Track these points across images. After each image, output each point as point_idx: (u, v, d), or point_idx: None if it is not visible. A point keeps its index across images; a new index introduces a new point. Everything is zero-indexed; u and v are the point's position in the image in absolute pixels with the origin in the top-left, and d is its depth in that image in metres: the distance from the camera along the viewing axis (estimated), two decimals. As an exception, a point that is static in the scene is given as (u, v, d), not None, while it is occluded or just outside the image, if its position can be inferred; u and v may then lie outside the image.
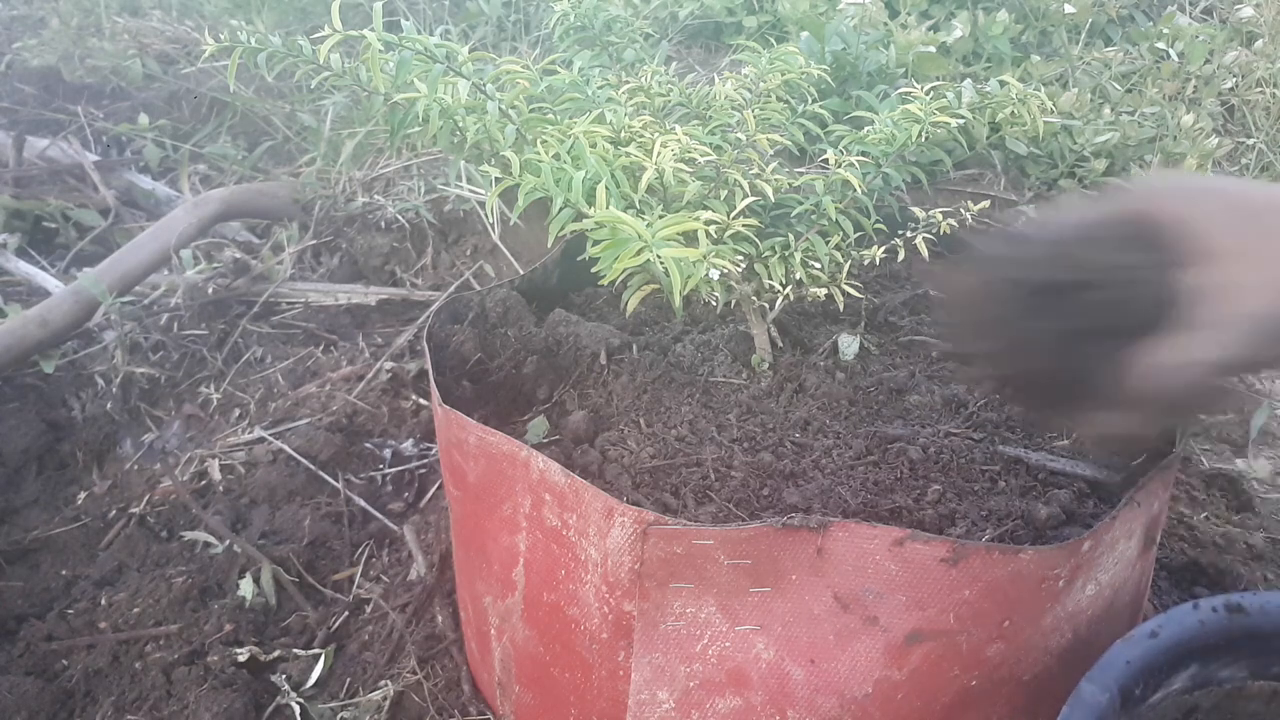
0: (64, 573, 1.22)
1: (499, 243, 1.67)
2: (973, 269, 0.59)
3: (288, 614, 1.15)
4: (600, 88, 0.86)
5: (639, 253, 0.61)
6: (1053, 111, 1.73)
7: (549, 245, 0.80)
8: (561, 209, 0.69)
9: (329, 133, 1.80)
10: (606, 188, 0.67)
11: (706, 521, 0.72)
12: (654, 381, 0.87)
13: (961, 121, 0.87)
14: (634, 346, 0.92)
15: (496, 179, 0.71)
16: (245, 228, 1.81)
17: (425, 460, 1.37)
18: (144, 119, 2.01)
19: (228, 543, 1.22)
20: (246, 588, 1.15)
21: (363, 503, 1.30)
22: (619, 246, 0.62)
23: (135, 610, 1.14)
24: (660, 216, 0.67)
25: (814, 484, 0.77)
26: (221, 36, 0.68)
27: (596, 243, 0.66)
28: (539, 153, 0.69)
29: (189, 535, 1.25)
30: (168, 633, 1.11)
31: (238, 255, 1.70)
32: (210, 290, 1.60)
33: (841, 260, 0.85)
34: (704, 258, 0.67)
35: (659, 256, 0.61)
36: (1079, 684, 0.69)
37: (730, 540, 0.66)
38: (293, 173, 1.84)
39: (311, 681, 1.06)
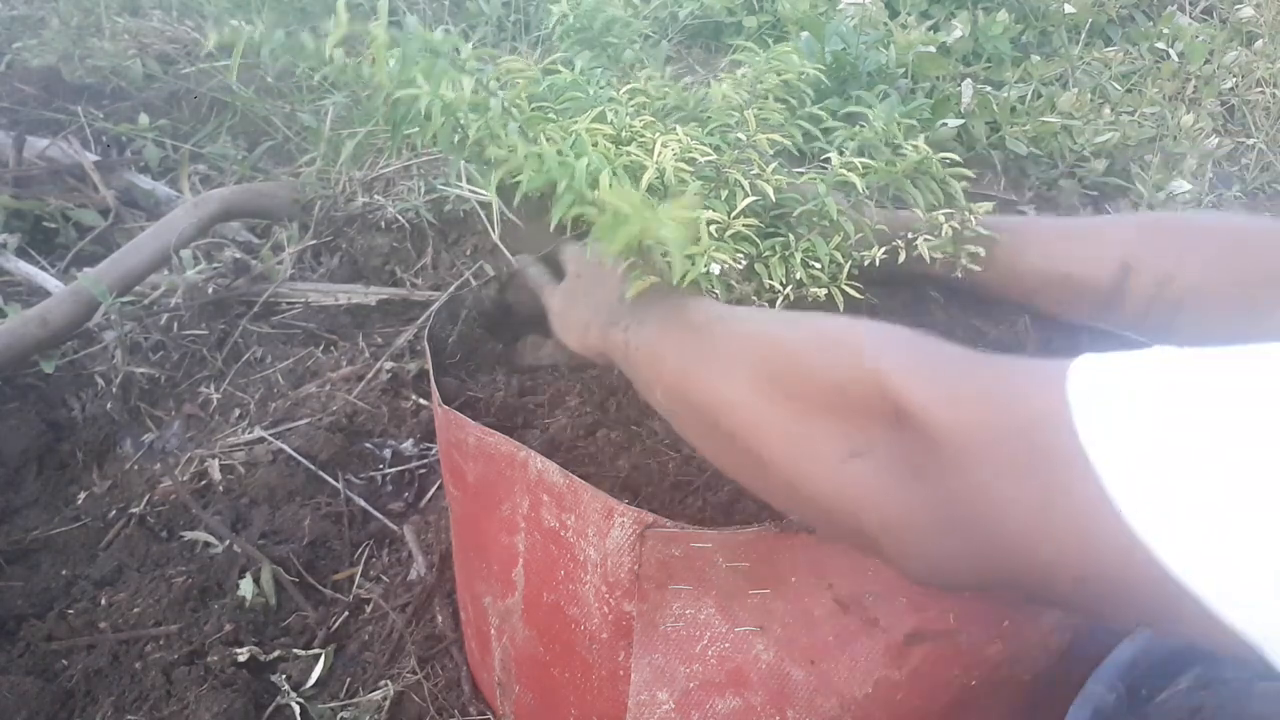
0: (64, 573, 1.22)
1: (499, 242, 1.67)
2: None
3: (288, 614, 1.15)
4: (601, 88, 0.86)
5: (645, 228, 0.61)
6: (1053, 111, 1.73)
7: (550, 232, 0.80)
8: (564, 194, 0.68)
9: (329, 133, 1.80)
10: (610, 176, 0.67)
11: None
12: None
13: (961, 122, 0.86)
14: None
15: (499, 162, 0.70)
16: (245, 228, 1.81)
17: (425, 460, 1.37)
18: (144, 119, 2.00)
19: (228, 543, 1.22)
20: (246, 588, 1.15)
21: (363, 503, 1.30)
22: (621, 224, 0.62)
23: (135, 610, 1.14)
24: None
25: None
26: (224, 32, 0.68)
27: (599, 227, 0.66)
28: (542, 144, 0.69)
29: (189, 535, 1.25)
30: (168, 633, 1.11)
31: (238, 255, 1.70)
32: (210, 290, 1.60)
33: (842, 260, 0.85)
34: (706, 250, 0.68)
35: (661, 237, 0.61)
36: (1086, 684, 0.69)
37: (728, 543, 0.66)
38: (293, 173, 1.84)
39: (311, 681, 1.06)
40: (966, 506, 0.45)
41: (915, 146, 0.83)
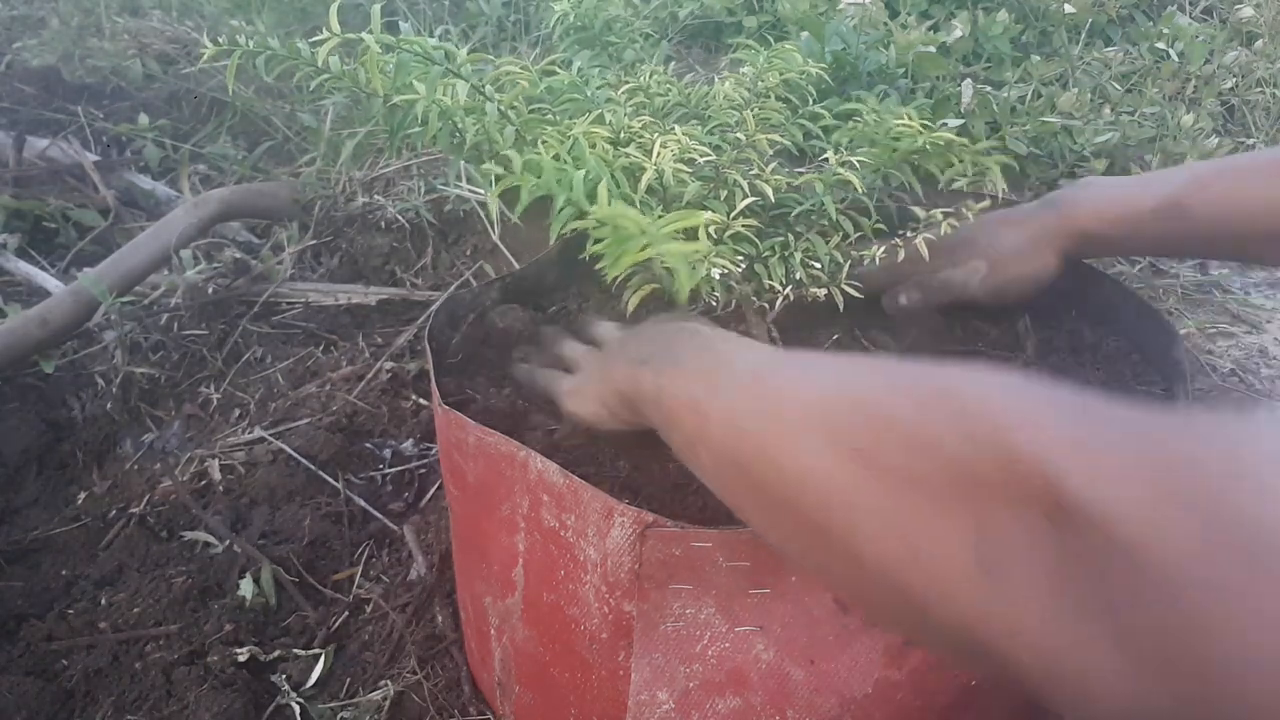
0: (64, 573, 1.22)
1: (499, 243, 1.67)
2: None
3: (288, 614, 1.15)
4: (599, 88, 0.86)
5: (644, 248, 0.61)
6: (1053, 111, 1.73)
7: (550, 243, 0.80)
8: (563, 208, 0.69)
9: (329, 133, 1.80)
10: (608, 187, 0.67)
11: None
12: None
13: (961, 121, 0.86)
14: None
15: (497, 178, 0.71)
16: (245, 228, 1.81)
17: (425, 460, 1.37)
18: (144, 119, 2.01)
19: (228, 543, 1.22)
20: (246, 588, 1.15)
21: (363, 503, 1.30)
22: (623, 243, 0.61)
23: (135, 610, 1.14)
24: (660, 216, 0.67)
25: None
26: (220, 40, 0.68)
27: (598, 241, 0.66)
28: (540, 152, 0.69)
29: (189, 535, 1.25)
30: (168, 633, 1.11)
31: (238, 255, 1.70)
32: (210, 290, 1.60)
33: (841, 260, 0.85)
34: (707, 257, 0.67)
35: (663, 253, 0.61)
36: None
37: (729, 542, 0.66)
38: (293, 173, 1.84)
39: (311, 681, 1.06)
40: (1180, 642, 0.32)
41: (924, 128, 0.82)
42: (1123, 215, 0.84)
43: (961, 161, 0.82)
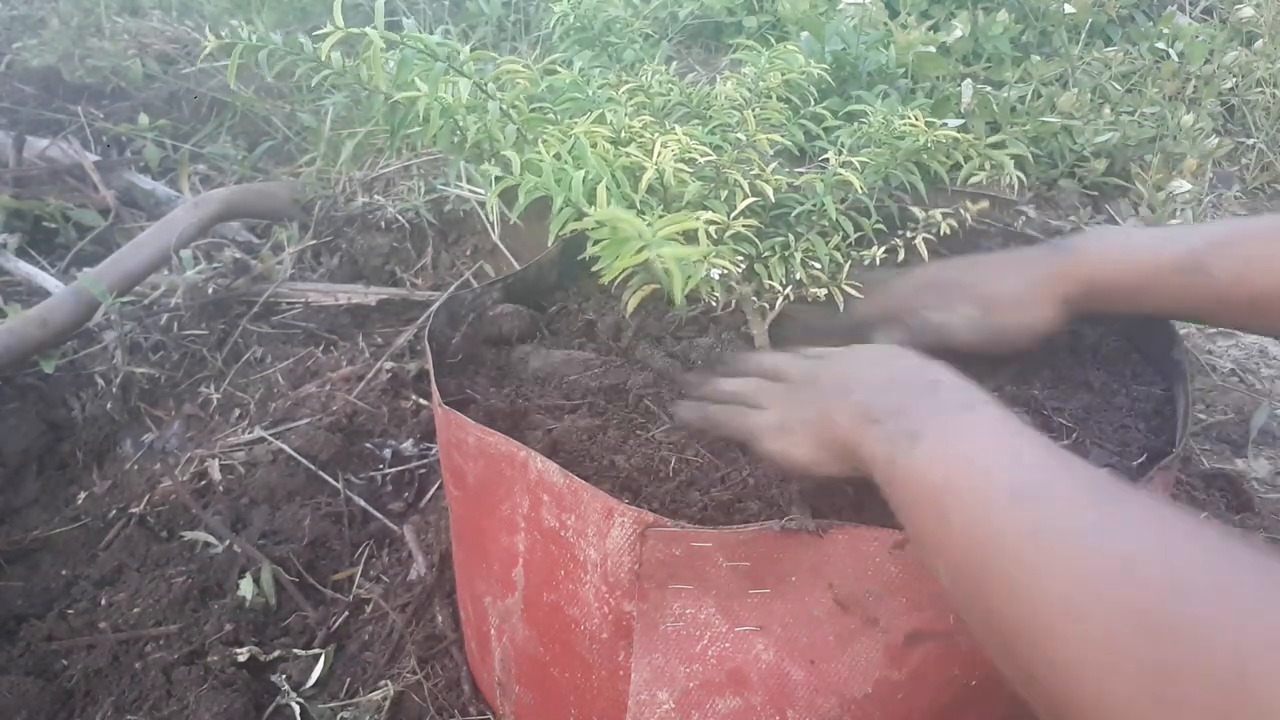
0: (64, 573, 1.22)
1: (499, 243, 1.67)
2: None
3: (288, 614, 1.15)
4: (600, 88, 0.86)
5: (639, 251, 0.61)
6: (1053, 111, 1.73)
7: (549, 244, 0.80)
8: (562, 208, 0.69)
9: (329, 133, 1.80)
10: (607, 188, 0.67)
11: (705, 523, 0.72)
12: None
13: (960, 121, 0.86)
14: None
15: (497, 178, 0.71)
16: (245, 228, 1.81)
17: (425, 460, 1.37)
18: (144, 119, 2.01)
19: (228, 543, 1.22)
20: (246, 588, 1.15)
21: (363, 503, 1.30)
22: (619, 245, 0.61)
23: (135, 610, 1.14)
24: (660, 216, 0.67)
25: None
26: (223, 34, 0.68)
27: (597, 242, 0.66)
28: (540, 152, 0.69)
29: (189, 535, 1.25)
30: (168, 633, 1.11)
31: (238, 255, 1.70)
32: (210, 290, 1.60)
33: (841, 260, 0.85)
34: (705, 258, 0.67)
35: (659, 256, 0.61)
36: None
37: (729, 542, 0.66)
38: (293, 173, 1.84)
39: (311, 681, 1.06)
40: None
41: (929, 125, 0.82)
42: (1137, 266, 0.76)
43: (970, 160, 0.81)
